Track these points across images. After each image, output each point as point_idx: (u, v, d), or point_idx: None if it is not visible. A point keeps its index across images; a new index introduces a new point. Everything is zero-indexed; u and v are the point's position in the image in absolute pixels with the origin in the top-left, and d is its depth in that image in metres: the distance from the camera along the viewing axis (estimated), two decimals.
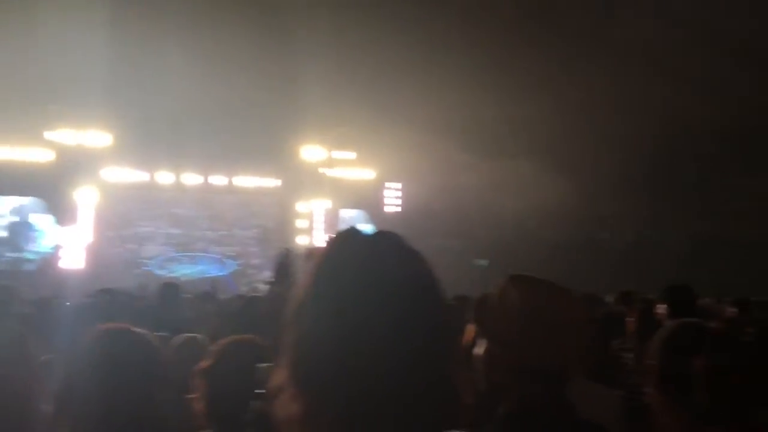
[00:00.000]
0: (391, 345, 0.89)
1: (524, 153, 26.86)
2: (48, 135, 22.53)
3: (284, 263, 5.75)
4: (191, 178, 24.98)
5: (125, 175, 24.39)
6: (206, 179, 25.20)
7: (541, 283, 1.64)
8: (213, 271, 25.28)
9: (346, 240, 0.99)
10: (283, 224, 25.82)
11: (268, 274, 23.82)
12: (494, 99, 25.08)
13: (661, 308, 3.77)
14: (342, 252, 0.97)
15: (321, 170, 25.69)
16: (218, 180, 25.44)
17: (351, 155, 26.37)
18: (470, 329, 3.17)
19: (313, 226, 25.48)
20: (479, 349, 1.68)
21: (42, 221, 23.37)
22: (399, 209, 27.87)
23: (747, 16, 31.60)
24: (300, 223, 25.76)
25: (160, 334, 3.54)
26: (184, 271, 24.66)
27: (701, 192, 36.22)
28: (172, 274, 23.04)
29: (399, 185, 28.07)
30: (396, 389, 0.89)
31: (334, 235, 1.01)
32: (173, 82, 20.98)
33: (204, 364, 1.93)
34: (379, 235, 0.99)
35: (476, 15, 27.57)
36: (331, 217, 25.37)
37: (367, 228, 1.03)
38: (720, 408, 1.58)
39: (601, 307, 5.85)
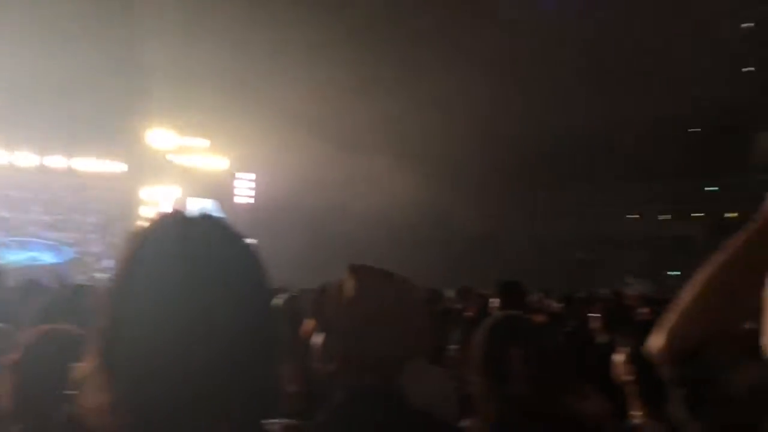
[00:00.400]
0: (206, 333, 0.86)
1: (381, 149, 27.31)
2: None
3: None
4: (25, 158, 23.19)
5: None
6: (42, 160, 23.48)
7: (380, 274, 1.64)
8: (46, 258, 23.57)
9: (165, 222, 0.94)
10: (127, 211, 24.55)
11: (108, 263, 22.71)
12: (353, 94, 25.28)
13: (494, 302, 3.98)
14: (160, 235, 0.92)
15: (170, 156, 24.69)
16: (56, 161, 23.78)
17: (203, 143, 25.56)
18: (310, 321, 3.18)
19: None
20: (317, 339, 1.68)
21: None
22: (252, 200, 27.41)
23: (588, 36, 34.11)
24: (145, 211, 24.61)
25: None
26: (13, 257, 22.77)
27: (545, 193, 38.69)
28: None
29: (253, 176, 27.58)
30: (211, 378, 0.86)
31: (154, 217, 0.96)
32: (5, 53, 19.31)
33: (11, 356, 1.75)
34: (203, 219, 0.95)
35: (337, 11, 27.68)
36: (179, 206, 24.42)
37: (195, 212, 0.98)
38: (535, 396, 1.68)
39: (441, 301, 6.08)
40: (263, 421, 0.93)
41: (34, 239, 23.85)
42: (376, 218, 27.48)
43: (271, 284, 0.97)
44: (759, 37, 32.90)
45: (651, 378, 1.63)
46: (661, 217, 35.03)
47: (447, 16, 31.48)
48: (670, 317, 0.91)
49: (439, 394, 2.62)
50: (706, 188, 32.99)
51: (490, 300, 4.12)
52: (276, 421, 1.08)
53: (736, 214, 28.86)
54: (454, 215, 33.32)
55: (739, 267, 0.95)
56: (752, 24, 33.65)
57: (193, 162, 25.44)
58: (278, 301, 4.44)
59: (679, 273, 29.09)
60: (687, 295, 0.94)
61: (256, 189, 27.62)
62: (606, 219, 35.55)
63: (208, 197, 25.55)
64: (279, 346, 0.95)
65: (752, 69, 32.69)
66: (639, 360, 1.85)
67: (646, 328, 2.25)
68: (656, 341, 0.89)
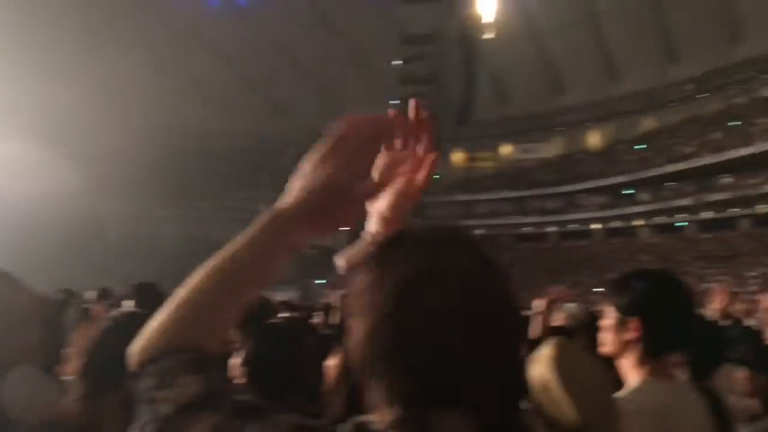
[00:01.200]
0: None
1: (29, 136, 24.79)
2: None
3: None
4: None
5: None
6: None
7: None
8: None
9: None
10: None
11: None
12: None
13: (128, 304, 3.84)
14: None
15: None
16: None
17: None
18: None
19: None
20: None
21: None
22: None
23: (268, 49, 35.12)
24: None
25: None
26: None
27: (198, 197, 38.67)
28: None
29: None
30: None
31: None
32: None
33: None
34: None
35: None
36: None
37: None
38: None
39: (75, 302, 5.71)
40: None
41: None
42: (16, 211, 24.71)
43: None
44: (405, 74, 37.37)
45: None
46: None
47: (120, 10, 30.18)
48: (151, 324, 0.83)
49: (45, 401, 2.46)
50: None
51: (123, 302, 3.98)
52: None
53: None
54: (108, 213, 31.71)
55: (227, 274, 0.86)
56: (401, 62, 38.15)
57: None
58: None
59: (324, 281, 31.74)
60: (170, 303, 0.85)
61: None
62: None
63: None
64: None
65: (398, 101, 37.03)
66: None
67: (278, 333, 2.35)
68: (133, 348, 0.81)
